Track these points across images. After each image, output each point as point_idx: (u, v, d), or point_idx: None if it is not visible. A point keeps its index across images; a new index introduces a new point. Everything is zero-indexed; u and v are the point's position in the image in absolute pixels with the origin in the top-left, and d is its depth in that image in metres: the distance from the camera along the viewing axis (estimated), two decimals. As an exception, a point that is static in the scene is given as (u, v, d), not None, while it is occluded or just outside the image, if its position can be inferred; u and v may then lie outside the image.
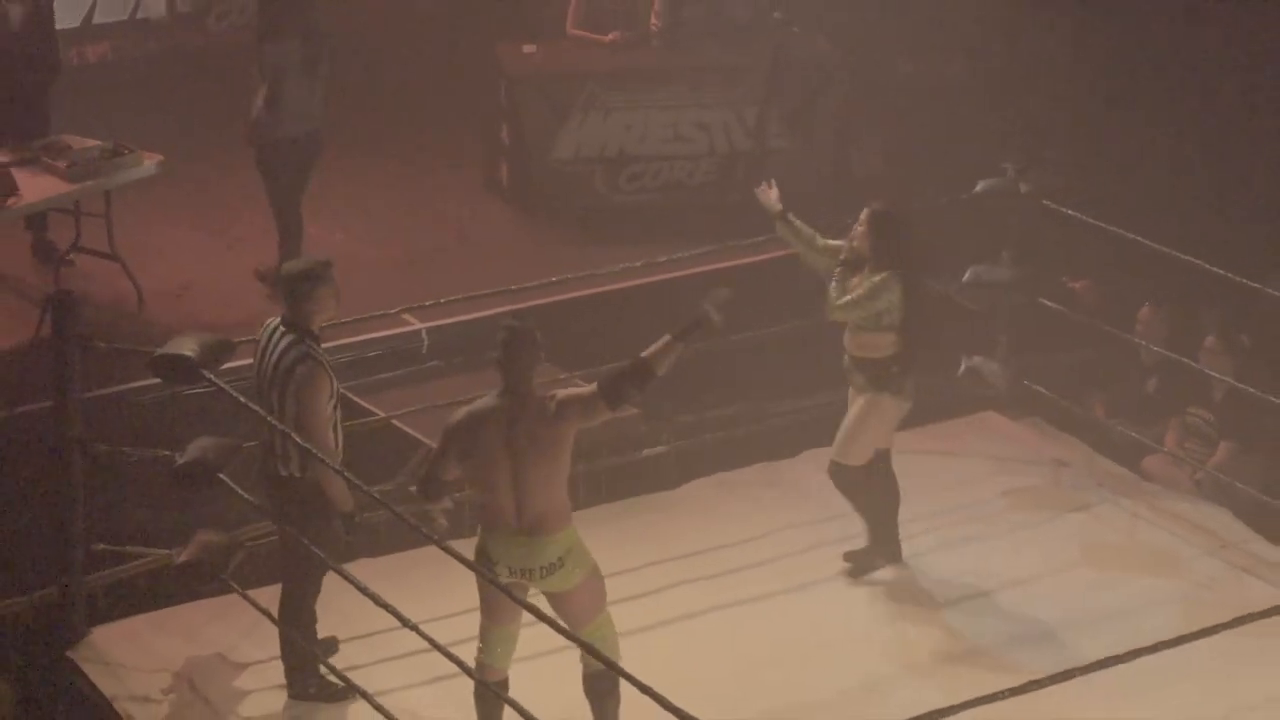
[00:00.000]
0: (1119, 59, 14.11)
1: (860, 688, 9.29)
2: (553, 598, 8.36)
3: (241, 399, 8.96)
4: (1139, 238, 11.05)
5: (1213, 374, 11.17)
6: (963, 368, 11.76)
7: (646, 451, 11.06)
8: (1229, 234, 11.94)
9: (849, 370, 10.04)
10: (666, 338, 8.25)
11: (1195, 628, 7.54)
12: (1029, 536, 10.68)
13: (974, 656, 9.29)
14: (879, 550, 10.24)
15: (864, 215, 9.94)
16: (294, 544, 8.89)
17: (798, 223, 10.24)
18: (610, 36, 14.03)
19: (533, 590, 8.30)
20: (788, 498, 10.29)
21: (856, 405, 9.99)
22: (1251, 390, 10.71)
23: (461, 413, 8.36)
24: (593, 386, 8.27)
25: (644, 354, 8.27)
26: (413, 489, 8.90)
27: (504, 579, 8.21)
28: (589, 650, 7.78)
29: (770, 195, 10.29)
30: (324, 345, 9.61)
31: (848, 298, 9.83)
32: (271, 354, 8.83)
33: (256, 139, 12.17)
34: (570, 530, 8.32)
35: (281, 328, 8.84)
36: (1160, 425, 11.54)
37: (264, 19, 12.31)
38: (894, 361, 9.88)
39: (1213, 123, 13.71)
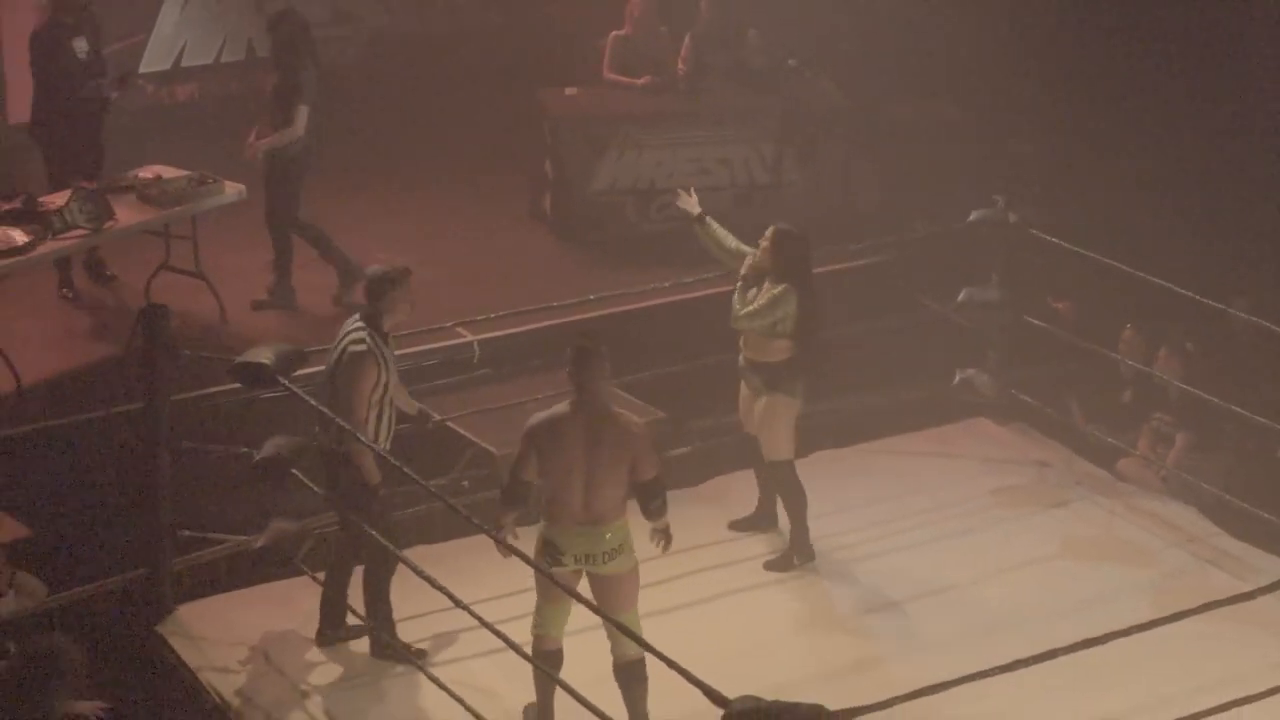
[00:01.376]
0: (1096, 102, 14.10)
1: (862, 664, 9.29)
2: (601, 582, 8.44)
3: (312, 401, 9.00)
4: (1114, 262, 11.05)
5: (1165, 377, 11.19)
6: (957, 378, 11.75)
7: (673, 451, 11.04)
8: (1197, 259, 11.91)
9: (745, 373, 10.08)
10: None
11: (1164, 614, 7.52)
12: (1014, 530, 10.66)
13: (963, 638, 9.26)
14: (797, 549, 10.22)
15: (769, 233, 9.95)
16: (346, 519, 9.01)
17: (714, 225, 10.31)
18: (642, 80, 14.04)
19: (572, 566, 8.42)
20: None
21: (758, 409, 10.03)
22: (1196, 392, 10.74)
23: (539, 418, 8.46)
24: (655, 469, 8.49)
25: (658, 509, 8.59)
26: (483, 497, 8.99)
27: (570, 567, 8.37)
28: (628, 633, 7.85)
29: (690, 201, 10.35)
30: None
31: (750, 308, 9.85)
32: (340, 340, 8.99)
33: (291, 153, 12.30)
34: (625, 521, 8.44)
35: (358, 319, 8.98)
36: (1133, 431, 11.53)
37: (298, 50, 12.39)
38: (787, 366, 9.91)
39: (1181, 159, 13.70)
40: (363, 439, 8.72)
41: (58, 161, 12.47)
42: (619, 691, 8.43)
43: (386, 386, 8.95)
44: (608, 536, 8.39)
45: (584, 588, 8.29)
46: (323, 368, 9.31)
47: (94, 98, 12.59)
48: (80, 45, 12.46)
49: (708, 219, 10.31)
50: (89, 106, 12.61)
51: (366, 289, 9.06)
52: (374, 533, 8.78)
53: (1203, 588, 9.74)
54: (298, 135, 12.26)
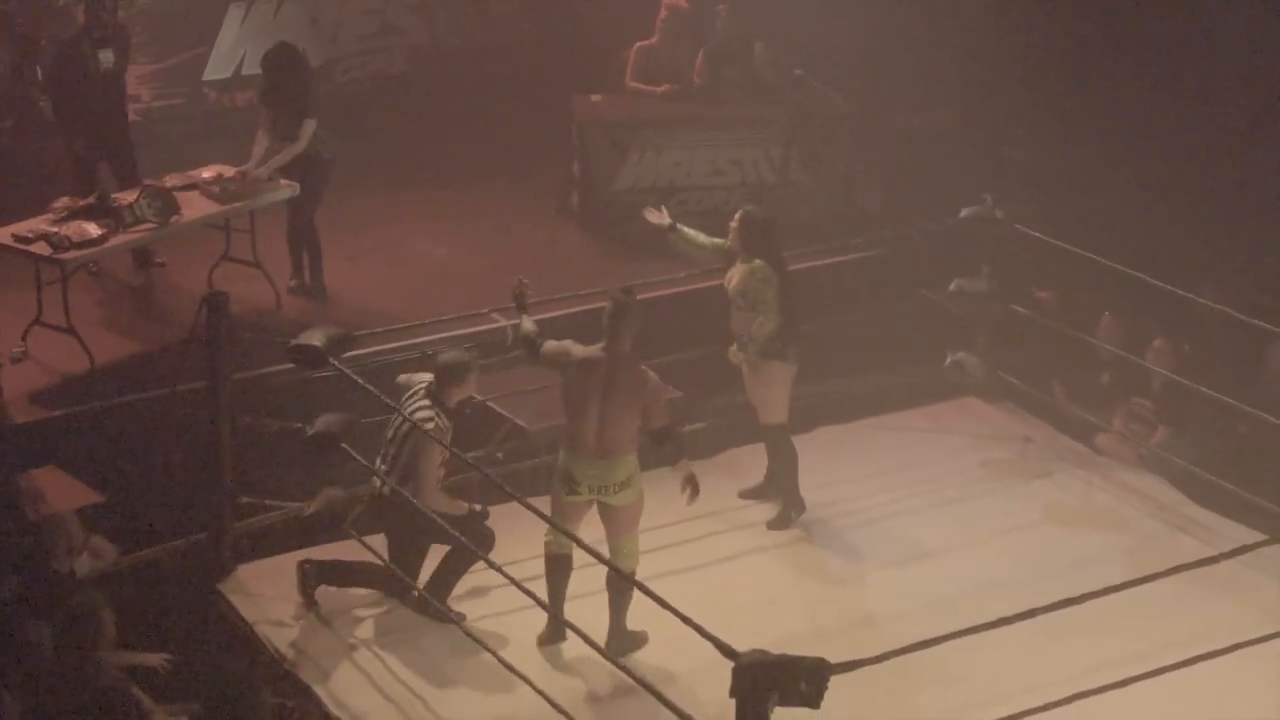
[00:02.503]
0: (1077, 110, 14.08)
1: (860, 621, 9.33)
2: (609, 510, 8.83)
3: (359, 381, 9.04)
4: (1093, 256, 11.05)
5: (1156, 369, 11.15)
6: (948, 361, 11.72)
7: (690, 427, 11.05)
8: (1168, 251, 11.90)
9: (742, 347, 10.07)
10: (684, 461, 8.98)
11: (1137, 576, 7.58)
12: (1001, 499, 10.67)
13: (954, 597, 9.26)
14: (790, 506, 10.26)
15: (736, 216, 10.03)
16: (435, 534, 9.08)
17: (685, 230, 10.35)
18: (662, 88, 14.03)
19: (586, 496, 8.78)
20: (804, 464, 10.26)
21: (755, 375, 10.04)
22: (1188, 383, 10.71)
23: (577, 352, 8.85)
24: (664, 418, 8.88)
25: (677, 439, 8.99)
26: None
27: (584, 495, 8.81)
28: (618, 553, 8.72)
29: (659, 215, 10.41)
30: (429, 339, 9.71)
31: (730, 287, 9.93)
32: (410, 411, 9.09)
33: (324, 157, 12.31)
34: (634, 457, 8.77)
35: (423, 398, 9.10)
36: (1110, 410, 11.51)
37: (301, 76, 12.41)
38: (777, 335, 9.90)
39: (1154, 163, 13.68)
40: (438, 505, 8.99)
41: (86, 165, 12.50)
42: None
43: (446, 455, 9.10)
44: (619, 470, 8.73)
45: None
46: (367, 350, 9.36)
47: (117, 106, 12.62)
48: (106, 56, 12.42)
49: (678, 226, 10.35)
50: (113, 114, 12.63)
51: (437, 374, 9.14)
52: (465, 540, 8.90)
53: (1172, 553, 9.77)
54: (300, 149, 12.21)
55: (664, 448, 8.90)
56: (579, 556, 8.57)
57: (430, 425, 8.97)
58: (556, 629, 8.96)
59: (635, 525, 8.93)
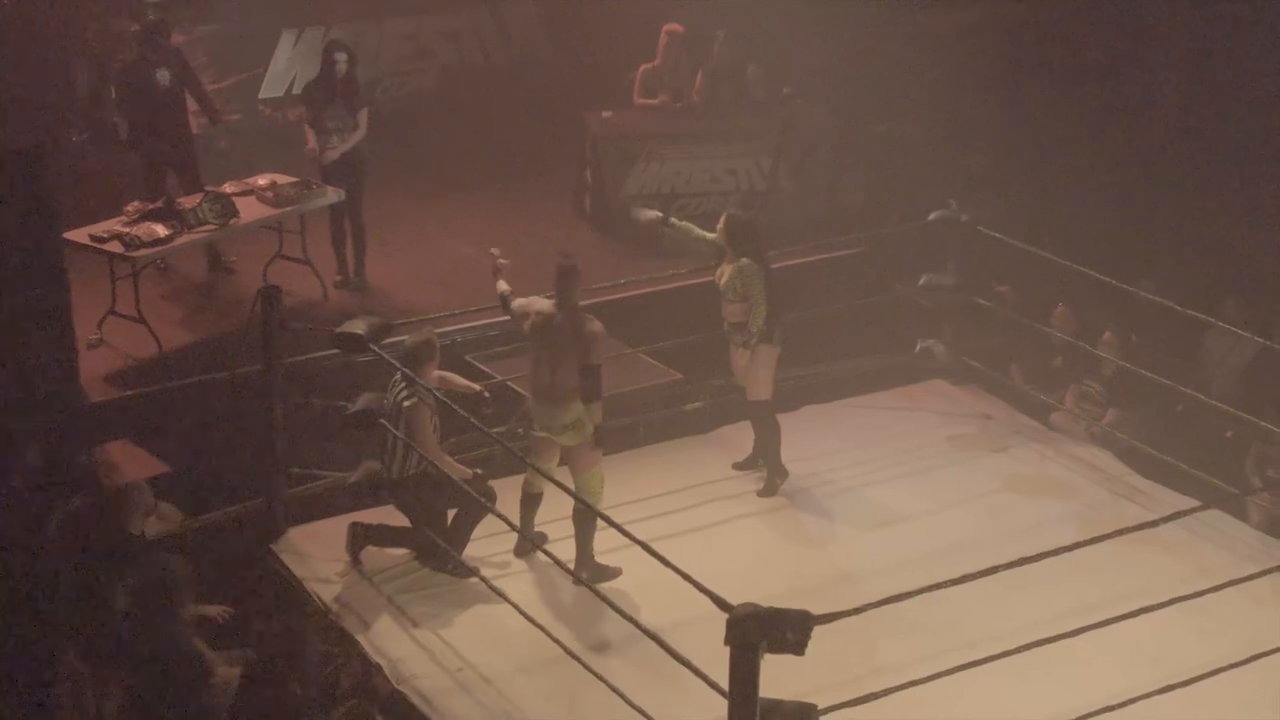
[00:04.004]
0: (1032, 125, 14.09)
1: (840, 578, 9.30)
2: (565, 451, 9.04)
3: (397, 365, 9.04)
4: (1047, 254, 11.03)
5: (1105, 357, 11.14)
6: (918, 347, 11.71)
7: (689, 406, 11.05)
8: (1114, 250, 11.88)
9: (730, 332, 10.02)
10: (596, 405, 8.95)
11: (1086, 537, 7.56)
12: (965, 469, 10.64)
13: (924, 557, 9.23)
14: (775, 475, 10.24)
15: (721, 219, 9.98)
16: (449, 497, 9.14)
17: (678, 222, 10.30)
18: (660, 98, 14.03)
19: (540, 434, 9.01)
20: (790, 439, 10.26)
21: (743, 358, 9.96)
22: (1132, 369, 10.70)
23: (533, 305, 9.10)
24: (590, 360, 8.87)
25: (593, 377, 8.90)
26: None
27: (538, 433, 9.09)
28: (579, 489, 8.92)
29: (648, 213, 10.40)
30: (458, 328, 9.68)
31: (722, 282, 9.87)
32: (392, 395, 9.17)
33: (365, 155, 12.36)
34: (578, 405, 8.90)
35: (400, 379, 9.11)
36: (1062, 391, 11.49)
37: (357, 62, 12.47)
38: (763, 322, 9.84)
39: (1100, 172, 13.71)
40: (444, 463, 9.04)
41: (154, 173, 12.51)
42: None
43: (436, 420, 9.13)
44: (565, 413, 8.91)
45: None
46: (403, 337, 9.35)
47: (179, 120, 12.62)
48: (163, 75, 12.43)
49: (672, 219, 10.32)
50: (175, 127, 12.63)
51: (406, 359, 9.10)
52: (475, 493, 8.97)
53: (1117, 517, 9.78)
54: (363, 135, 12.31)
55: (585, 381, 8.86)
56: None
57: (411, 402, 8.99)
58: (524, 544, 9.31)
59: (590, 465, 9.07)
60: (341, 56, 12.30)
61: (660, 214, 10.34)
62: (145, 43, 12.49)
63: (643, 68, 14.24)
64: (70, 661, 7.85)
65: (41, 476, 9.66)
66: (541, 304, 9.09)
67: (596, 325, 8.96)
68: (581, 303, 9.17)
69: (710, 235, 10.07)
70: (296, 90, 14.86)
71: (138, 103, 12.43)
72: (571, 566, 8.78)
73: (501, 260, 9.44)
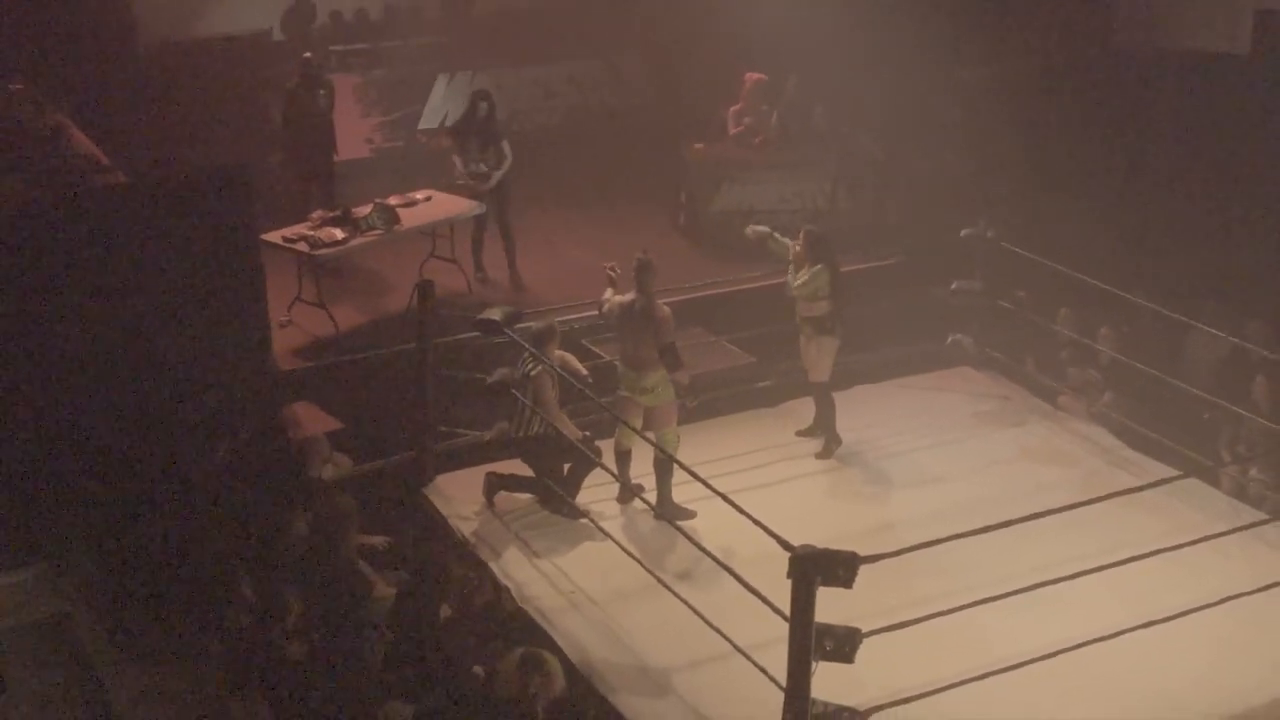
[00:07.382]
0: (1049, 157, 13.93)
1: (883, 526, 9.24)
2: (647, 411, 9.04)
3: (525, 345, 9.06)
4: (1058, 266, 10.89)
5: (1103, 349, 11.00)
6: (949, 340, 11.62)
7: (760, 384, 11.01)
8: (1114, 262, 11.70)
9: (801, 324, 9.96)
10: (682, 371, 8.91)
11: (1085, 499, 7.54)
12: (986, 441, 10.53)
13: (952, 510, 9.14)
14: (831, 441, 10.17)
15: (801, 234, 9.92)
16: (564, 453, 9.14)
17: (779, 237, 10.17)
18: (759, 139, 13.91)
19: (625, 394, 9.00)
20: (843, 412, 10.21)
21: (811, 346, 9.92)
22: (1126, 360, 10.57)
23: (616, 299, 9.16)
24: (665, 340, 8.85)
25: (673, 353, 8.86)
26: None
27: (625, 394, 9.11)
28: (659, 441, 8.87)
29: (759, 230, 10.28)
30: (574, 317, 9.68)
31: (799, 283, 9.79)
32: (523, 365, 9.15)
33: (508, 180, 12.37)
34: (659, 371, 8.93)
35: (528, 355, 9.09)
36: (1067, 378, 11.35)
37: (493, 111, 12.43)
38: (828, 316, 9.82)
39: (1102, 197, 13.53)
40: (566, 428, 9.07)
41: (312, 180, 12.64)
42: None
43: (557, 390, 9.12)
44: (646, 379, 8.98)
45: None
46: (531, 324, 9.37)
47: (328, 137, 12.78)
48: (323, 98, 12.65)
49: (775, 234, 10.27)
50: (325, 142, 12.76)
51: (534, 339, 9.10)
52: (586, 450, 8.98)
53: (1111, 482, 9.62)
54: (510, 162, 12.34)
55: (666, 358, 8.89)
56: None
57: (537, 372, 9.00)
58: (624, 493, 9.28)
59: (668, 422, 9.07)
60: (484, 105, 12.37)
61: (768, 230, 10.29)
62: (304, 72, 12.63)
63: (731, 110, 14.20)
64: (243, 592, 7.92)
65: (239, 431, 9.76)
66: (620, 296, 9.16)
67: (665, 310, 8.98)
68: (675, 299, 9.16)
69: (790, 242, 10.02)
70: (448, 124, 14.95)
71: (298, 123, 12.57)
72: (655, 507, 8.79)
73: (613, 272, 9.42)
